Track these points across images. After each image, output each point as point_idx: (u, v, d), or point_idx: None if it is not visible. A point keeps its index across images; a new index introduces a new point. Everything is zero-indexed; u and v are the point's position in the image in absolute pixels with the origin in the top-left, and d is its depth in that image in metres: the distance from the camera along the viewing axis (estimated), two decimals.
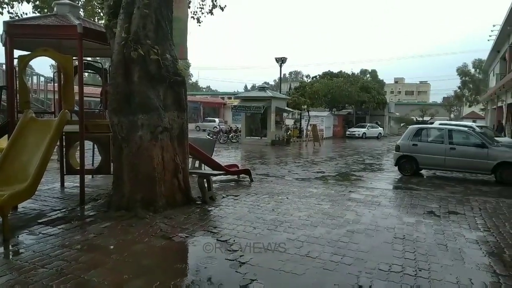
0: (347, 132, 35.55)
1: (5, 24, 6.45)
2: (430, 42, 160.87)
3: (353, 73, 48.76)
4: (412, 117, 50.45)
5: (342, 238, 5.20)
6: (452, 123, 17.78)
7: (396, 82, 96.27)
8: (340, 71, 45.30)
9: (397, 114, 50.18)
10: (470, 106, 60.42)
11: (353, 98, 35.88)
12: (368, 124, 37.06)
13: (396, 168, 12.21)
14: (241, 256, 4.48)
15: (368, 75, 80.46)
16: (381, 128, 37.60)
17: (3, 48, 6.98)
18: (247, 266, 4.19)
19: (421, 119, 48.56)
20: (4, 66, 8.26)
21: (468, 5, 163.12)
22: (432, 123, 26.66)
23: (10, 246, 4.75)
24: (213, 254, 4.60)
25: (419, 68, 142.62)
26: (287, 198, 7.73)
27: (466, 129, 12.58)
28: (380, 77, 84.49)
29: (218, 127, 32.42)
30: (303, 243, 4.95)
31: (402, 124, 47.18)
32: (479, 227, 6.01)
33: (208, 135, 25.12)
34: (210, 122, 41.92)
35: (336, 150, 21.85)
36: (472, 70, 59.41)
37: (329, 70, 45.30)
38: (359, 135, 34.34)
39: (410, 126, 13.62)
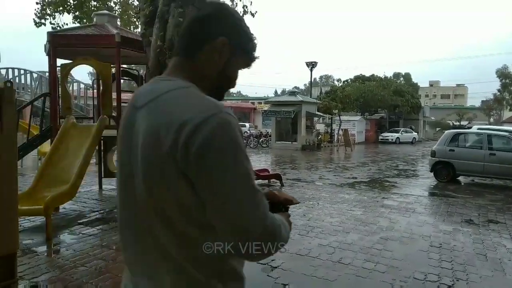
0: (380, 137, 34.78)
1: (49, 35, 6.83)
2: (467, 43, 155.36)
3: (385, 77, 47.74)
4: (449, 122, 48.73)
5: (376, 245, 5.11)
6: (491, 128, 17.03)
7: (431, 85, 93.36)
8: (372, 75, 44.50)
9: (433, 118, 48.60)
10: (511, 110, 57.66)
11: (386, 102, 35.13)
12: (402, 128, 36.11)
13: (432, 174, 11.83)
14: (272, 260, 4.49)
15: (401, 78, 78.52)
16: (416, 133, 36.54)
17: (47, 57, 7.39)
18: (278, 271, 4.20)
19: (458, 123, 46.83)
20: (47, 74, 8.72)
21: (506, 4, 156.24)
22: (470, 127, 25.66)
23: (52, 244, 5.00)
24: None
25: (456, 71, 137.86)
26: (318, 203, 7.68)
27: (506, 134, 12.03)
28: (414, 80, 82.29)
29: (248, 131, 32.64)
30: (335, 249, 4.91)
31: (437, 129, 45.66)
32: None
33: None
34: (240, 127, 42.17)
35: (369, 155, 21.44)
36: None
37: (361, 74, 44.64)
38: (392, 140, 33.50)
39: (447, 131, 13.17)
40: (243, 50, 1.12)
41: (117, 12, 12.49)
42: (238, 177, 0.93)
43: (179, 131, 0.91)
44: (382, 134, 35.21)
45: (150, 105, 1.01)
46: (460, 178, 11.95)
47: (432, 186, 10.94)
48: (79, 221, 5.99)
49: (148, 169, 0.97)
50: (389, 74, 64.47)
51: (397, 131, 35.01)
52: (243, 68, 1.16)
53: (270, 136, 25.92)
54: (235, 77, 1.15)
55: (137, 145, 1.00)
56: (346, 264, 4.42)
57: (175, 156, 0.91)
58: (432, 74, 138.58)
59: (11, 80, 10.14)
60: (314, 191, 9.14)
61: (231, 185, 0.92)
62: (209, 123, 0.91)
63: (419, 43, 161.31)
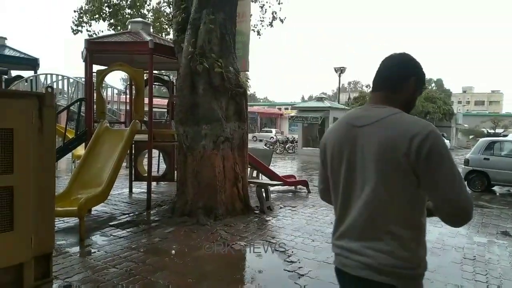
0: None
1: (86, 42, 7.10)
2: (502, 48, 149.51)
3: None
4: (483, 129, 46.97)
5: None
6: None
7: (464, 91, 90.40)
8: None
9: (466, 125, 46.99)
10: None
11: (417, 108, 34.27)
12: None
13: (465, 183, 11.42)
14: (299, 268, 4.47)
15: (432, 84, 76.56)
16: (448, 141, 35.38)
17: (83, 63, 7.68)
18: (306, 279, 4.17)
19: (493, 131, 45.05)
20: (83, 80, 9.06)
21: None
22: (506, 135, 24.61)
23: (85, 245, 5.16)
24: (272, 264, 4.64)
25: (490, 76, 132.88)
26: None
27: None
28: (446, 86, 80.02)
29: (274, 137, 32.61)
30: None
31: (471, 137, 44.08)
32: None
33: (265, 145, 25.35)
34: (267, 133, 42.28)
35: None
36: None
37: None
38: None
39: (481, 139, 12.70)
40: (422, 83, 1.64)
41: (149, 20, 12.85)
42: (454, 170, 1.38)
43: (412, 140, 1.38)
44: None
45: (378, 124, 1.48)
46: (495, 188, 11.48)
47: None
48: (110, 223, 6.14)
49: (385, 165, 1.42)
50: None
51: None
52: (420, 95, 1.69)
53: (296, 142, 25.79)
54: (415, 101, 1.66)
55: (367, 150, 1.47)
56: None
57: (409, 157, 1.38)
58: (465, 80, 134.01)
59: (51, 86, 10.62)
60: None
61: (451, 176, 1.37)
62: (431, 135, 1.38)
63: (451, 47, 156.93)
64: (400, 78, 1.58)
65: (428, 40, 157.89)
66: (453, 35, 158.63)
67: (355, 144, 1.52)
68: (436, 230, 6.28)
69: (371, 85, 1.67)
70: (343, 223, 1.57)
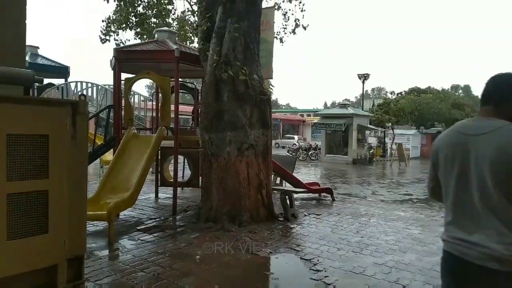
0: None
1: (115, 51, 7.32)
2: None
3: (443, 89, 45.66)
4: None
5: (436, 267, 4.84)
6: None
7: None
8: (429, 87, 42.74)
9: None
10: None
11: (444, 115, 33.47)
12: None
13: None
14: (325, 277, 4.41)
15: (460, 91, 74.65)
16: None
17: (111, 71, 7.91)
18: None
19: None
20: (111, 87, 9.31)
21: None
22: None
23: (114, 249, 5.27)
24: (297, 273, 4.60)
25: None
26: (371, 220, 7.44)
27: None
28: (474, 92, 77.76)
29: (297, 144, 32.49)
30: (391, 269, 4.71)
31: None
32: None
33: (288, 152, 25.27)
34: (289, 139, 42.18)
35: (425, 171, 20.45)
36: None
37: (416, 86, 42.99)
38: None
39: None
40: None
41: (174, 28, 13.11)
42: None
43: None
44: None
45: (493, 133, 1.73)
46: None
47: None
48: (137, 228, 6.25)
49: (499, 170, 1.67)
50: (447, 86, 61.48)
51: None
52: None
53: (319, 149, 25.61)
54: None
55: (482, 156, 1.72)
56: (404, 286, 4.23)
57: None
58: None
59: (84, 94, 10.98)
60: (367, 207, 8.87)
61: None
62: None
63: (479, 53, 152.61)
64: (507, 95, 1.82)
65: (455, 45, 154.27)
66: (482, 41, 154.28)
67: (467, 150, 1.80)
68: None
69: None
70: (457, 217, 1.88)
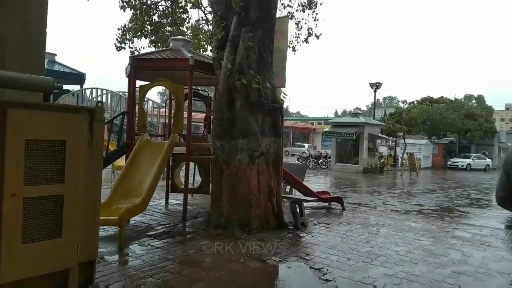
0: (449, 163, 32.69)
1: (131, 59, 7.45)
2: None
3: (456, 99, 45.15)
4: None
5: (447, 279, 4.79)
6: None
7: (507, 108, 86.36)
8: (441, 97, 42.34)
9: (509, 144, 44.72)
10: None
11: (456, 125, 33.11)
12: (474, 154, 33.65)
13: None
14: (335, 287, 4.40)
15: (473, 101, 73.79)
16: (489, 160, 33.82)
17: (126, 78, 8.03)
18: None
19: None
20: (126, 94, 9.45)
21: None
22: None
23: (124, 254, 5.31)
24: (306, 282, 4.59)
25: None
26: (382, 230, 7.38)
27: None
28: (488, 103, 76.87)
29: (307, 152, 32.41)
30: (402, 280, 4.67)
31: None
32: None
33: (298, 160, 25.23)
34: (299, 147, 42.10)
35: (436, 182, 20.22)
36: None
37: (428, 96, 42.62)
38: (462, 166, 31.31)
39: None
40: None
41: (189, 37, 13.26)
42: None
43: None
44: (451, 160, 33.09)
45: None
46: None
47: (510, 219, 10.01)
48: (147, 234, 6.29)
49: None
50: (460, 96, 60.81)
51: (468, 157, 32.70)
52: None
53: (329, 157, 25.52)
54: None
55: None
56: None
57: None
58: (508, 97, 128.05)
59: (101, 101, 11.19)
60: (377, 217, 8.80)
61: None
62: None
63: (492, 63, 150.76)
64: None
65: (469, 55, 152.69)
66: (496, 51, 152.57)
67: None
68: (479, 254, 6.00)
69: None
70: None
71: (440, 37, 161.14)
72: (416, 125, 31.64)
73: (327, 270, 4.92)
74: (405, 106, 44.29)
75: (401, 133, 27.68)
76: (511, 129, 68.45)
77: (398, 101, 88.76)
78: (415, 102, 42.00)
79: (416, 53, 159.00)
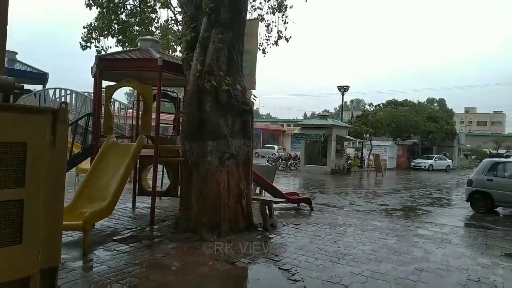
0: (412, 163, 33.90)
1: (97, 58, 7.25)
2: (504, 69, 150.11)
3: (419, 102, 46.94)
4: (485, 150, 46.93)
5: (410, 276, 4.97)
6: None
7: (466, 111, 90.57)
8: (405, 100, 43.89)
9: (468, 145, 46.99)
10: None
11: (419, 128, 34.39)
12: (436, 155, 35.09)
13: (468, 204, 11.40)
14: (304, 287, 4.46)
15: (435, 104, 76.87)
16: (450, 160, 35.37)
17: (92, 78, 7.81)
18: None
19: (495, 151, 44.99)
20: (91, 95, 9.18)
21: None
22: (508, 156, 24.59)
23: (88, 260, 5.15)
24: (275, 283, 4.63)
25: (493, 97, 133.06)
26: (348, 230, 7.56)
27: None
28: (449, 106, 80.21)
29: (277, 154, 32.65)
30: (368, 279, 4.81)
31: (473, 157, 44.04)
32: None
33: (268, 161, 25.38)
34: (269, 149, 42.36)
35: (400, 182, 20.92)
36: None
37: (393, 99, 44.09)
38: (425, 167, 32.56)
39: (485, 160, 12.71)
40: None
41: (157, 37, 13.08)
42: None
43: None
44: (414, 161, 34.32)
45: None
46: (499, 209, 11.42)
47: (468, 217, 10.52)
48: (113, 238, 6.13)
49: None
50: (423, 99, 63.17)
51: (430, 158, 34.05)
52: None
53: (299, 159, 25.83)
54: None
55: None
56: None
57: None
58: (467, 100, 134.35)
59: (65, 101, 10.80)
60: (344, 217, 9.01)
61: None
62: None
63: (453, 68, 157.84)
64: None
65: (431, 60, 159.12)
66: (455, 56, 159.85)
67: None
68: (440, 251, 6.26)
69: None
70: None
71: (404, 42, 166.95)
72: (381, 127, 32.61)
73: (296, 270, 4.99)
74: (372, 109, 45.57)
75: (368, 135, 28.44)
76: (470, 131, 71.94)
77: (365, 104, 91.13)
78: (381, 105, 43.32)
79: (383, 55, 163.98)
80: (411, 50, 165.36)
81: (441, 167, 33.14)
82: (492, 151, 45.18)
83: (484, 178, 11.07)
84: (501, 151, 45.96)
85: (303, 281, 4.61)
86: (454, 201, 13.76)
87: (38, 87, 13.99)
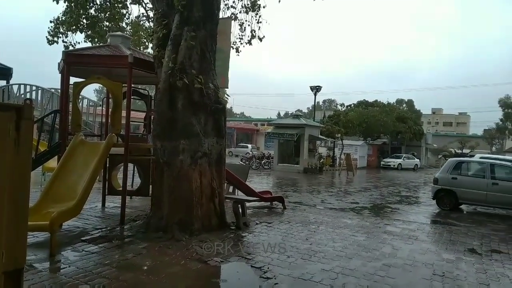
0: (382, 162, 34.82)
1: (64, 54, 7.02)
2: (470, 72, 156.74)
3: (388, 103, 48.21)
4: (451, 149, 48.79)
5: (378, 272, 5.11)
6: (493, 157, 17.08)
7: (433, 112, 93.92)
8: (376, 101, 44.96)
9: (435, 145, 48.71)
10: None
11: (389, 128, 35.33)
12: (404, 154, 36.16)
13: (434, 201, 11.83)
14: (275, 284, 4.50)
15: (404, 105, 79.18)
16: (418, 160, 36.57)
17: (59, 75, 7.56)
18: None
19: (460, 151, 46.87)
20: (58, 91, 8.89)
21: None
22: (472, 156, 25.67)
23: (56, 261, 5.00)
24: (247, 281, 4.65)
25: (458, 99, 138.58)
26: (320, 227, 7.68)
27: (509, 163, 12.07)
28: (417, 107, 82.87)
29: (250, 153, 32.73)
30: (338, 275, 4.91)
31: (439, 156, 45.68)
32: None
33: (241, 160, 25.40)
34: (243, 148, 42.38)
35: (371, 181, 21.43)
36: None
37: (364, 99, 45.13)
38: (394, 166, 33.52)
39: (450, 159, 13.22)
40: None
41: (128, 33, 12.79)
42: None
43: None
44: (384, 160, 35.24)
45: None
46: (463, 207, 11.92)
47: (434, 214, 10.92)
48: (82, 238, 5.98)
49: None
50: (392, 100, 64.95)
51: (399, 157, 35.06)
52: None
53: (272, 158, 25.99)
54: None
55: None
56: None
57: None
58: (434, 102, 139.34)
59: (30, 98, 10.36)
60: (316, 215, 9.14)
61: None
62: None
63: (422, 70, 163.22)
64: None
65: (399, 62, 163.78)
66: (424, 57, 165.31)
67: None
68: (407, 247, 6.46)
69: None
70: None
71: (374, 44, 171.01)
72: (353, 127, 33.30)
73: (268, 268, 5.02)
74: (343, 109, 46.42)
75: (339, 135, 28.96)
76: (437, 131, 74.58)
77: (337, 104, 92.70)
78: (352, 105, 44.21)
79: (351, 58, 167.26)
80: (382, 52, 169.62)
81: (410, 166, 34.20)
82: (457, 151, 46.98)
83: (449, 176, 11.51)
84: (465, 150, 47.90)
85: (275, 278, 4.66)
86: (421, 199, 14.23)
87: (2, 83, 13.41)
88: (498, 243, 7.24)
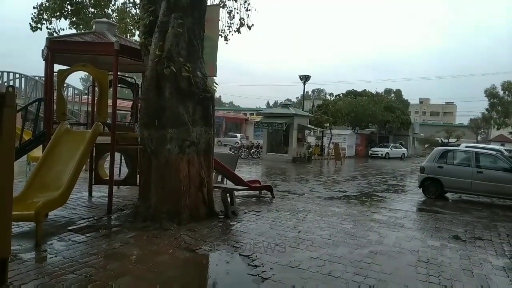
0: (370, 152, 35.16)
1: (48, 40, 6.85)
2: (457, 62, 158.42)
3: (377, 92, 48.49)
4: (437, 139, 49.45)
5: (365, 259, 5.18)
6: (479, 146, 17.37)
7: (421, 102, 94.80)
8: (364, 90, 45.17)
9: (422, 135, 49.30)
10: (498, 129, 58.70)
11: (377, 117, 35.60)
12: (392, 144, 36.56)
13: (420, 190, 12.01)
14: (263, 272, 4.53)
15: (392, 95, 79.72)
16: (405, 149, 37.00)
17: (43, 62, 7.39)
18: (269, 282, 4.24)
19: (446, 140, 47.55)
20: (43, 79, 8.70)
21: (499, 26, 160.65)
22: (458, 145, 26.07)
23: (42, 251, 4.95)
24: (236, 269, 4.67)
25: (445, 89, 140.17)
26: (308, 216, 7.74)
27: (494, 152, 12.29)
28: (405, 97, 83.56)
29: (239, 142, 32.70)
30: (325, 262, 4.96)
31: (426, 145, 46.29)
32: (507, 254, 5.87)
33: (230, 150, 25.37)
34: (232, 137, 42.30)
35: (358, 170, 21.63)
36: (501, 92, 57.85)
37: (352, 89, 45.27)
38: (382, 155, 33.89)
39: (436, 148, 13.39)
40: None
41: (114, 20, 12.56)
42: None
43: None
44: (372, 149, 35.58)
45: None
46: (448, 195, 12.13)
47: (420, 202, 11.09)
48: (68, 228, 5.92)
49: None
50: (381, 90, 65.37)
51: (387, 146, 35.44)
52: None
53: (261, 147, 26.02)
54: None
55: None
56: (336, 277, 4.47)
57: None
58: (422, 92, 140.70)
59: (12, 85, 10.12)
60: (304, 203, 9.21)
61: None
62: None
63: (410, 59, 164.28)
64: None
65: (388, 52, 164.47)
66: (411, 49, 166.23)
67: None
68: (393, 234, 6.56)
69: None
70: None
71: (364, 36, 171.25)
72: (341, 117, 33.46)
73: (256, 256, 5.05)
74: (332, 99, 46.56)
75: (328, 124, 29.08)
76: (424, 121, 75.44)
77: (326, 94, 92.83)
78: (341, 95, 44.35)
79: (341, 48, 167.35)
80: (373, 42, 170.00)
81: (397, 155, 34.61)
82: (444, 140, 47.65)
83: (435, 165, 11.68)
84: (451, 140, 48.61)
85: (263, 266, 4.69)
86: (408, 187, 14.43)
87: None
88: (482, 230, 7.40)
